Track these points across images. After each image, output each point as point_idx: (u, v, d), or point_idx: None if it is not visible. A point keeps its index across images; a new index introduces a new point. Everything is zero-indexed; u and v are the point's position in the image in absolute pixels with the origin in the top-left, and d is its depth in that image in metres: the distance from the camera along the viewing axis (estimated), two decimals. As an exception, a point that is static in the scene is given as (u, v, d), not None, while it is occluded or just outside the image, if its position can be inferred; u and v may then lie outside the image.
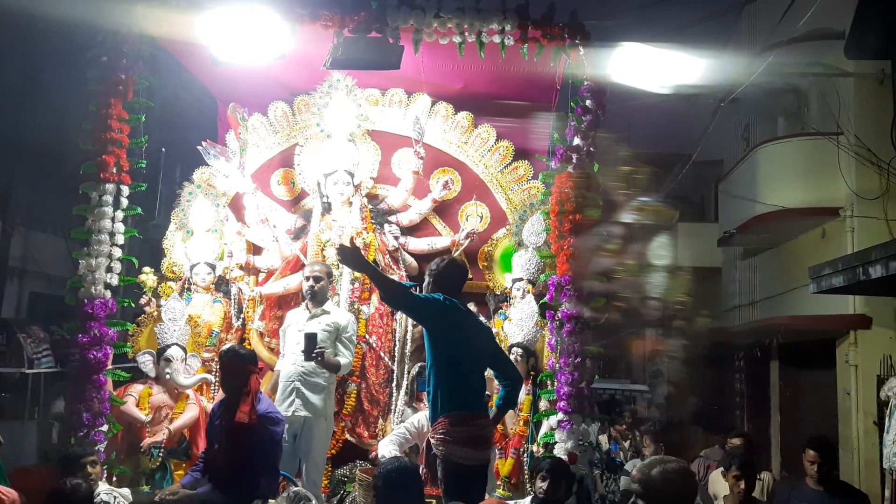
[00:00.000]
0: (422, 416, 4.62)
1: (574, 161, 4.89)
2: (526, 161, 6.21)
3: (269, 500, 3.72)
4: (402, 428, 4.65)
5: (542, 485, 3.64)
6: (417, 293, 3.74)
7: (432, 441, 3.51)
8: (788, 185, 9.13)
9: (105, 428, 4.73)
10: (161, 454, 4.89)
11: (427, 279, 3.73)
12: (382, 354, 5.67)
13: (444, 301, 3.57)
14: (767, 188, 9.39)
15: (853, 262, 6.16)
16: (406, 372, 5.59)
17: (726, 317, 12.18)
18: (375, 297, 5.77)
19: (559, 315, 4.89)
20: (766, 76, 8.47)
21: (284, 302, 5.82)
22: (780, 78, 8.87)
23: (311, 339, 4.57)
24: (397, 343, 5.70)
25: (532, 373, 5.24)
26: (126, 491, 4.14)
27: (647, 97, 5.80)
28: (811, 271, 6.83)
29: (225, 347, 4.33)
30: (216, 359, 5.56)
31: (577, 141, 4.93)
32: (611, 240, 5.42)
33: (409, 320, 5.69)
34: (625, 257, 5.59)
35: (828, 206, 8.61)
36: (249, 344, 5.61)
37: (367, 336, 5.61)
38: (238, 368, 3.85)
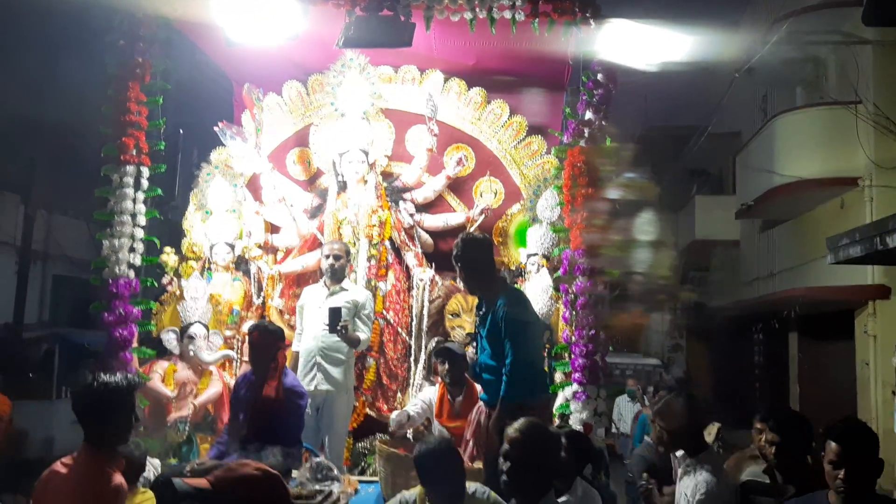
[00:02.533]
0: (433, 392, 4.76)
1: (586, 135, 4.95)
2: (539, 136, 6.26)
3: (293, 472, 3.87)
4: (417, 403, 4.77)
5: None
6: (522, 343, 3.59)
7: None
8: (806, 156, 9.11)
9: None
10: (187, 428, 5.07)
11: (458, 267, 3.75)
12: (400, 330, 5.80)
13: (519, 302, 3.64)
14: (785, 159, 9.36)
15: (871, 231, 6.18)
16: (423, 347, 5.72)
17: (745, 289, 12.19)
18: (392, 274, 5.90)
19: (573, 289, 4.98)
20: (783, 45, 8.42)
21: (303, 280, 5.96)
22: (798, 47, 8.81)
23: (335, 312, 4.72)
24: (414, 319, 5.82)
25: (547, 346, 5.34)
26: (156, 461, 4.32)
27: (662, 70, 5.82)
28: (829, 242, 6.85)
29: (254, 323, 4.49)
30: (237, 336, 5.75)
31: (588, 115, 4.98)
32: (623, 214, 5.47)
33: (425, 296, 5.82)
34: (612, 233, 5.64)
35: (846, 175, 8.59)
36: (269, 320, 5.74)
37: (384, 312, 5.74)
38: (267, 344, 4.01)
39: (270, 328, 4.19)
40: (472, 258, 3.64)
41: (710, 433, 4.99)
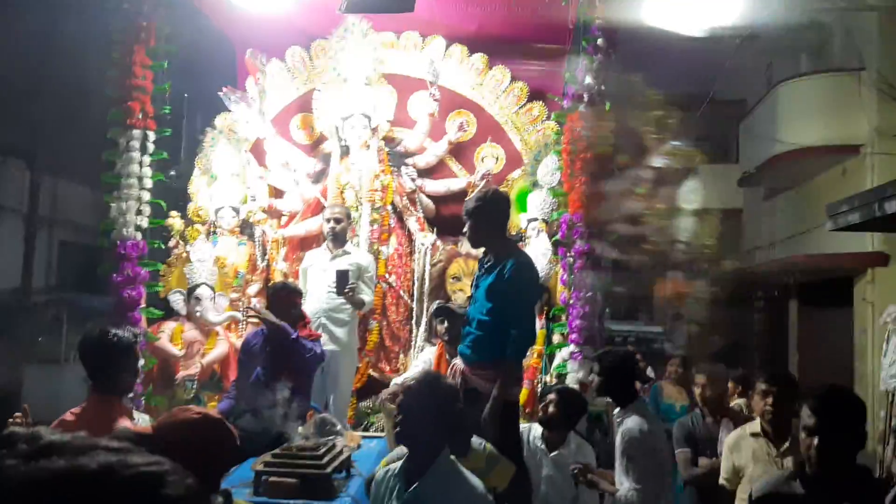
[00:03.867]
0: (431, 353, 4.88)
1: (585, 100, 5.02)
2: (541, 102, 6.32)
3: (298, 428, 4.03)
4: (418, 366, 4.87)
5: (552, 410, 3.86)
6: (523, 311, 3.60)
7: (488, 386, 3.54)
8: (810, 124, 9.14)
9: (141, 363, 5.06)
10: (194, 387, 5.24)
11: (468, 220, 3.68)
12: (402, 293, 5.94)
13: (529, 264, 3.68)
14: (789, 127, 9.39)
15: (869, 198, 6.24)
16: (425, 310, 5.86)
17: (747, 257, 12.28)
18: (394, 239, 6.02)
19: (571, 252, 5.09)
20: (788, 11, 8.40)
21: (306, 244, 6.08)
22: (803, 13, 8.79)
23: (343, 275, 4.85)
24: (416, 282, 5.97)
25: (546, 308, 5.48)
26: (146, 416, 4.51)
27: (665, 36, 5.85)
28: (828, 209, 6.92)
29: (278, 283, 4.81)
30: (243, 298, 5.90)
31: (588, 80, 5.05)
32: (638, 183, 5.56)
33: (427, 260, 5.95)
34: (652, 201, 5.72)
35: (849, 143, 8.62)
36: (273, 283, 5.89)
37: (386, 276, 5.87)
38: (295, 300, 4.29)
39: (292, 286, 4.58)
40: (491, 213, 3.66)
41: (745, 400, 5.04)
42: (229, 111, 6.20)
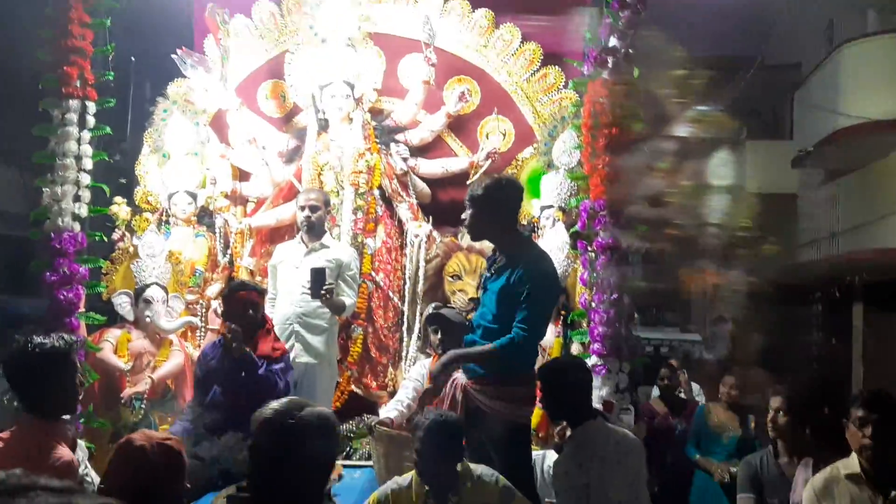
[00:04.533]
0: (424, 367, 4.87)
1: (610, 65, 5.01)
2: (556, 67, 6.34)
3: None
4: (409, 387, 4.80)
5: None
6: (527, 311, 3.58)
7: (493, 404, 3.62)
8: (879, 93, 9.13)
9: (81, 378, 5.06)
10: (143, 406, 5.25)
11: (471, 209, 3.70)
12: (391, 294, 5.97)
13: (547, 265, 3.70)
14: (853, 97, 9.39)
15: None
16: (418, 314, 5.87)
17: (802, 251, 12.30)
18: (382, 229, 6.03)
19: (593, 245, 5.09)
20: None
21: (277, 236, 6.10)
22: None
23: (318, 273, 4.85)
24: (408, 281, 5.98)
25: (562, 312, 5.49)
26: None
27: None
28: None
29: (237, 282, 4.77)
30: (201, 301, 5.91)
31: (613, 41, 5.04)
32: (660, 157, 5.57)
33: (421, 255, 5.97)
34: (678, 177, 5.73)
35: (925, 116, 8.62)
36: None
37: (372, 274, 5.90)
38: (255, 303, 4.33)
39: (253, 286, 4.58)
40: (500, 203, 3.67)
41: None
42: (185, 77, 6.20)
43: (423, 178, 6.29)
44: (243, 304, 4.44)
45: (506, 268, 3.62)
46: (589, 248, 5.13)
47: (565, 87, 6.25)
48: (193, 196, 6.11)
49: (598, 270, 5.04)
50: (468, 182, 5.87)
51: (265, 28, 6.46)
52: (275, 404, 2.12)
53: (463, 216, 3.76)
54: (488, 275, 3.74)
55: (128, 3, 5.30)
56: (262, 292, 4.66)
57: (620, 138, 4.97)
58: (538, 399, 3.66)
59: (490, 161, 6.13)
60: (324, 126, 6.06)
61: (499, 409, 3.58)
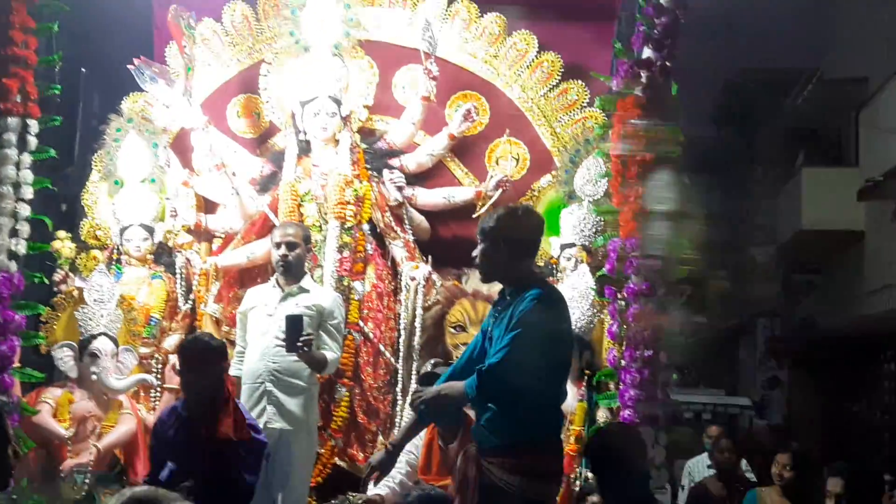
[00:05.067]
0: (421, 437, 4.80)
1: (644, 80, 5.06)
2: (579, 81, 6.39)
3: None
4: (402, 461, 4.70)
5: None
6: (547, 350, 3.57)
7: (512, 479, 3.53)
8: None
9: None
10: (87, 480, 5.20)
11: (483, 244, 3.68)
12: (382, 348, 5.95)
13: (558, 307, 3.68)
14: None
15: None
16: (414, 372, 5.84)
17: (871, 300, 12.25)
18: (372, 271, 6.04)
19: (623, 292, 5.10)
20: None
21: (248, 277, 6.10)
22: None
23: (294, 323, 4.83)
24: (402, 333, 5.97)
25: (587, 372, 5.46)
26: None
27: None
28: None
29: (192, 336, 4.65)
30: (157, 354, 5.89)
31: (647, 53, 5.09)
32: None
33: (418, 302, 5.96)
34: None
35: None
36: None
37: (360, 323, 5.89)
38: (213, 365, 4.16)
39: (213, 342, 4.35)
40: (518, 237, 3.65)
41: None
42: (142, 91, 6.25)
43: (421, 211, 6.30)
44: (201, 366, 4.20)
45: (507, 307, 3.61)
46: (619, 296, 5.14)
47: (590, 104, 6.29)
48: (150, 230, 6.11)
49: (629, 322, 5.04)
50: (474, 216, 5.91)
51: (237, 34, 6.53)
52: None
53: (474, 253, 3.75)
54: (492, 320, 3.72)
55: (78, 5, 5.35)
56: (221, 352, 4.36)
57: (657, 166, 5.01)
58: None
59: (500, 191, 6.13)
60: (305, 149, 6.10)
61: (520, 485, 3.55)
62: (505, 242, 3.62)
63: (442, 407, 3.69)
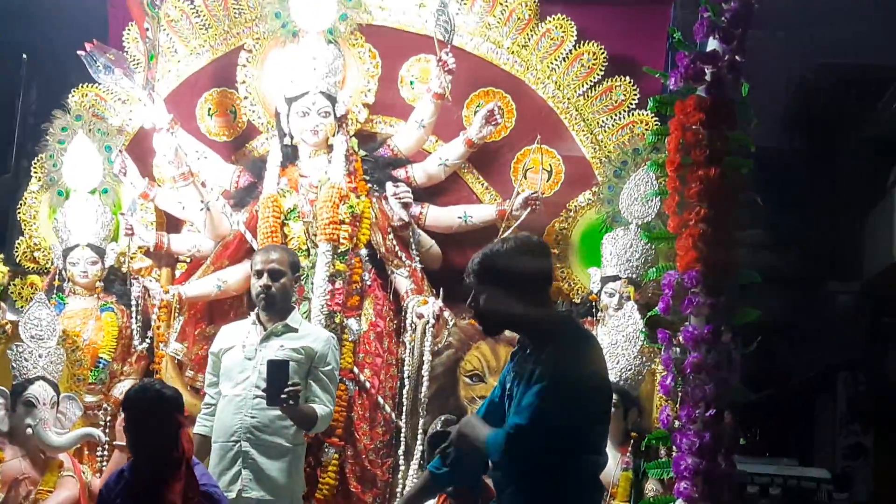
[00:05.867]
0: None
1: (708, 77, 5.06)
2: (628, 78, 6.40)
3: None
4: None
5: None
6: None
7: None
8: None
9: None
10: (18, 558, 5.18)
11: (478, 288, 3.62)
12: (381, 401, 5.94)
13: (588, 355, 3.67)
14: None
15: None
16: (420, 430, 5.82)
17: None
18: (370, 306, 6.03)
19: (680, 337, 5.07)
20: None
21: (219, 312, 6.13)
22: None
23: (278, 370, 4.80)
24: (406, 383, 5.94)
25: (634, 434, 5.43)
26: None
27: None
28: None
29: (136, 386, 4.60)
30: (106, 404, 5.88)
31: (713, 44, 5.09)
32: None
33: (426, 345, 5.94)
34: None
35: None
36: (160, 378, 5.84)
37: (355, 370, 5.89)
38: (160, 419, 4.11)
39: (166, 391, 4.30)
40: (514, 276, 3.64)
41: None
42: (94, 83, 6.29)
43: (431, 233, 6.32)
44: (148, 418, 4.27)
45: (529, 358, 3.58)
46: (674, 341, 5.11)
47: (640, 106, 6.30)
48: (100, 252, 6.12)
49: (687, 374, 5.01)
50: (497, 240, 5.89)
51: (211, 15, 6.56)
52: None
53: (469, 302, 3.72)
54: (512, 375, 3.69)
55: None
56: (176, 404, 4.24)
57: (723, 182, 4.99)
58: None
59: (529, 210, 6.15)
60: (291, 156, 6.13)
61: None
62: (501, 285, 3.59)
63: (465, 455, 3.68)
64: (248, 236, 6.10)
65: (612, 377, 5.50)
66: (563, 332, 3.67)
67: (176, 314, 6.10)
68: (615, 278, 5.99)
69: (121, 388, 5.93)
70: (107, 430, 5.82)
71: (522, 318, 3.64)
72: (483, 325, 3.86)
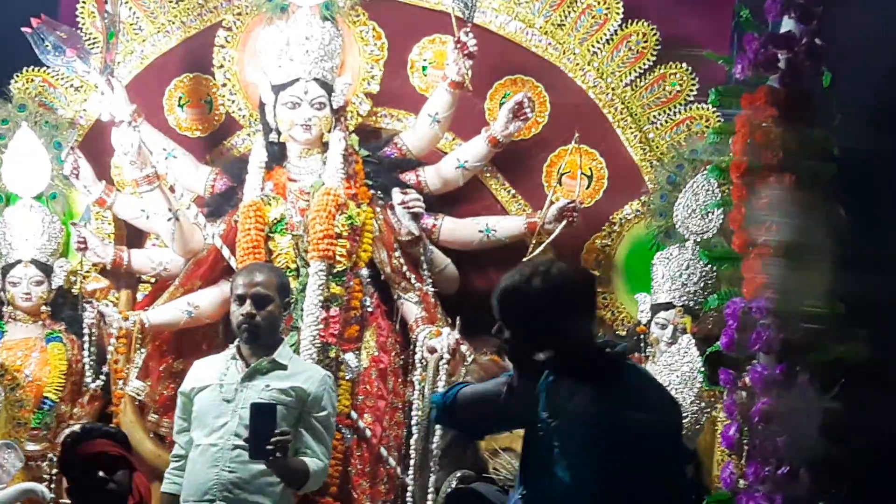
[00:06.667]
0: None
1: (783, 65, 5.09)
2: (683, 65, 6.43)
3: None
4: None
5: None
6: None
7: None
8: None
9: None
10: None
11: (507, 327, 3.59)
12: (384, 453, 5.99)
13: (657, 399, 3.67)
14: None
15: None
16: (431, 488, 5.82)
17: None
18: (372, 337, 6.05)
19: (747, 378, 5.09)
20: None
21: (190, 344, 6.18)
22: None
23: (263, 415, 4.79)
24: (415, 430, 5.95)
25: (696, 494, 5.46)
26: None
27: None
28: None
29: (76, 428, 4.64)
30: (51, 453, 5.91)
31: (788, 24, 5.12)
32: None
33: (440, 385, 5.92)
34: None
35: None
36: (118, 422, 5.90)
37: (352, 416, 5.93)
38: (110, 471, 4.15)
39: (115, 434, 4.37)
40: (545, 321, 3.66)
41: None
42: (42, 66, 6.36)
43: (447, 250, 6.34)
44: (91, 469, 4.32)
45: (570, 400, 3.61)
46: (739, 383, 5.14)
47: (699, 99, 6.33)
48: (46, 270, 6.17)
49: (754, 423, 5.03)
50: (526, 258, 5.90)
51: (183, -14, 6.62)
52: None
53: (499, 332, 3.72)
54: (546, 415, 3.70)
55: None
56: (125, 440, 4.52)
57: (799, 191, 5.01)
58: None
59: (565, 223, 6.15)
60: (277, 155, 6.17)
61: None
62: (530, 329, 3.60)
63: None
64: (226, 252, 6.13)
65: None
66: (627, 371, 3.70)
67: (137, 346, 6.09)
68: (668, 306, 5.99)
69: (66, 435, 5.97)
70: (52, 486, 5.85)
71: (559, 359, 3.66)
72: (513, 363, 3.87)
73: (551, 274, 3.58)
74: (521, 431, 5.72)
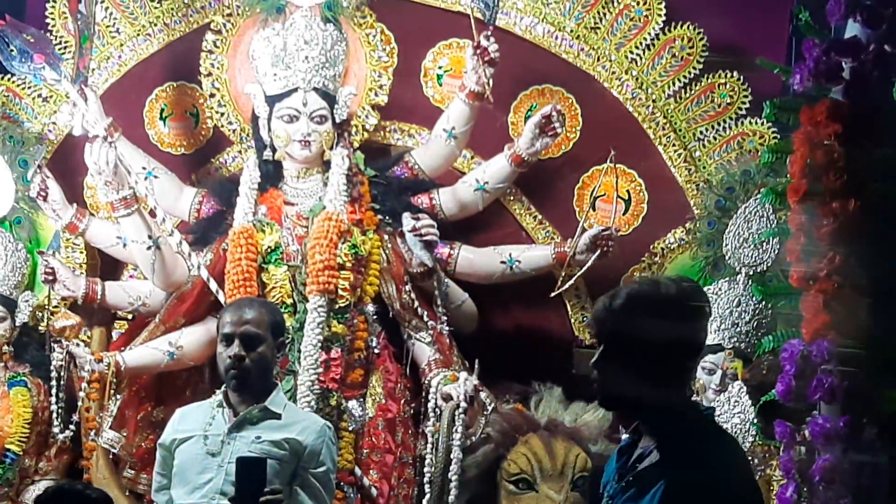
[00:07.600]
0: None
1: (847, 76, 5.09)
2: (734, 75, 6.44)
3: None
4: None
5: None
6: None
7: None
8: None
9: None
10: None
11: (605, 343, 3.59)
12: (393, 515, 5.97)
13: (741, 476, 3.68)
14: None
15: None
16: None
17: None
18: (378, 383, 6.05)
19: (806, 432, 5.08)
20: None
21: (172, 390, 6.20)
22: None
23: (252, 470, 4.78)
24: (429, 489, 5.92)
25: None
26: None
27: None
28: None
29: (54, 487, 4.66)
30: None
31: (854, 29, 5.13)
32: None
33: (455, 437, 5.89)
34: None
35: None
36: (90, 478, 5.91)
37: (356, 472, 5.93)
38: None
39: (92, 494, 4.37)
40: (670, 334, 3.62)
41: None
42: (6, 74, 6.40)
43: (464, 284, 6.34)
44: None
45: (657, 472, 3.59)
46: (798, 437, 5.13)
47: (753, 113, 6.34)
48: (9, 305, 6.20)
49: (815, 482, 5.02)
50: (553, 294, 5.90)
51: (165, -15, 6.67)
52: None
53: (592, 363, 3.69)
54: (616, 484, 3.69)
55: None
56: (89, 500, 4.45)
57: (865, 218, 5.01)
58: None
59: (599, 252, 6.15)
60: (272, 176, 6.20)
61: None
62: (645, 344, 3.58)
63: None
64: (213, 285, 6.13)
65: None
66: (711, 438, 3.67)
67: (112, 391, 6.10)
68: (717, 349, 5.96)
69: (34, 493, 5.97)
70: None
71: (651, 396, 3.63)
72: (598, 395, 3.84)
73: (682, 285, 3.64)
74: (555, 494, 5.76)
